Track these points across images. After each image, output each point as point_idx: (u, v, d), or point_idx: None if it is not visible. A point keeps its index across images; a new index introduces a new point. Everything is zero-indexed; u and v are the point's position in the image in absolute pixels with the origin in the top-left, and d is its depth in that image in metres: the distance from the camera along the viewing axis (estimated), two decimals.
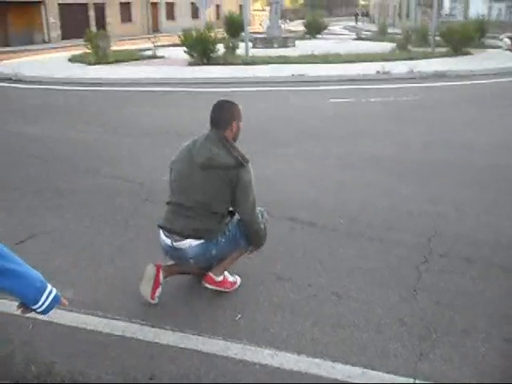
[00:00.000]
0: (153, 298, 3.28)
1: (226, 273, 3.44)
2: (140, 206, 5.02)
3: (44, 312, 1.83)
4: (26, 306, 1.83)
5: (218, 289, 3.39)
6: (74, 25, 34.44)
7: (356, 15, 66.74)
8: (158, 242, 3.35)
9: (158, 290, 3.29)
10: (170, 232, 3.24)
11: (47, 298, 1.82)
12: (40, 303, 1.81)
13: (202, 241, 3.20)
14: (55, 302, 1.85)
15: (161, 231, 3.31)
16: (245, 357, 2.78)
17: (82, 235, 4.42)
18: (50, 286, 1.84)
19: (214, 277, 3.36)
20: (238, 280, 3.52)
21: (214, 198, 3.17)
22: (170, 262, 3.43)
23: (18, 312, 1.86)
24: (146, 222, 4.61)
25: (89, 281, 3.64)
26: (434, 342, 2.87)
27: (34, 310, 1.84)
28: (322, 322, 3.09)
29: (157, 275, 3.27)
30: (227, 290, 3.43)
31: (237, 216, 3.36)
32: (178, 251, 3.25)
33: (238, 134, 3.38)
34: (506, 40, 18.71)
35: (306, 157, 6.49)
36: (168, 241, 3.26)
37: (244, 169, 3.16)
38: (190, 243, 3.20)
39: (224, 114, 3.40)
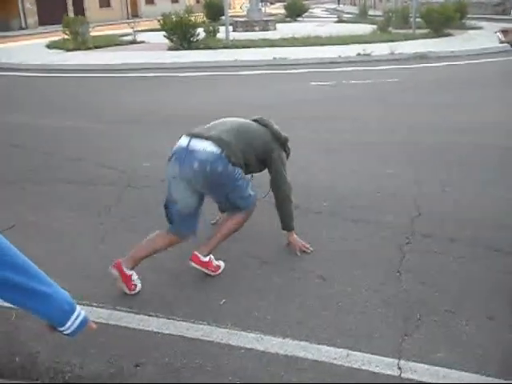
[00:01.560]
0: (131, 289, 3.25)
1: (211, 256, 3.43)
2: (122, 193, 4.97)
3: (70, 334, 1.76)
4: (52, 326, 1.77)
5: (203, 269, 3.39)
6: (52, 10, 33.92)
7: None
8: (165, 171, 3.34)
9: (133, 279, 3.26)
10: (192, 133, 3.28)
11: (74, 321, 1.74)
12: (66, 326, 1.74)
13: (218, 151, 3.16)
14: (82, 325, 1.77)
15: (182, 138, 3.31)
16: (230, 341, 2.78)
17: (64, 224, 4.38)
18: (78, 309, 1.77)
19: (199, 256, 3.36)
20: (222, 265, 3.51)
21: (251, 144, 3.40)
22: (132, 252, 3.33)
23: (46, 330, 1.78)
24: (129, 209, 4.59)
25: (72, 269, 3.60)
26: (419, 322, 2.89)
27: (61, 332, 1.78)
28: (306, 304, 3.09)
29: (120, 272, 3.22)
30: (211, 273, 3.42)
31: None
32: (189, 153, 3.18)
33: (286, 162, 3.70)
34: (499, 34, 18.57)
35: (290, 141, 6.45)
36: (185, 141, 3.23)
37: (282, 151, 3.64)
38: (205, 146, 3.17)
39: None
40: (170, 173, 3.29)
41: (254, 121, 3.63)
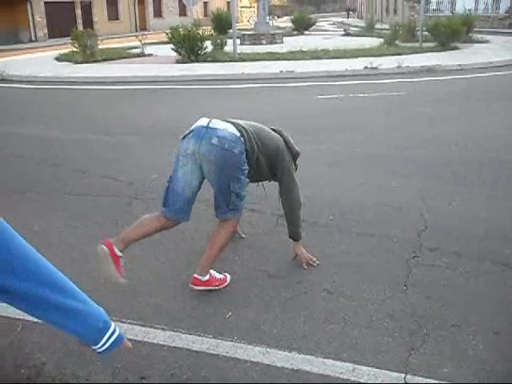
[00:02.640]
0: (120, 274, 3.19)
1: (212, 272, 3.42)
2: (129, 205, 4.99)
3: (104, 352, 1.68)
4: (84, 343, 1.71)
5: (207, 288, 3.38)
6: (61, 23, 34.28)
7: (348, 10, 67.02)
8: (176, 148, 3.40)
9: (121, 264, 3.22)
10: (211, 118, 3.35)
11: (109, 339, 1.66)
12: (100, 344, 1.65)
13: (238, 134, 3.25)
14: (117, 343, 1.69)
15: (200, 118, 3.39)
16: (236, 354, 2.78)
17: (69, 235, 4.39)
18: (113, 326, 1.69)
19: (199, 277, 3.35)
20: (228, 277, 3.51)
21: (266, 145, 3.44)
22: (121, 233, 3.34)
23: (80, 347, 1.72)
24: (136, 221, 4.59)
25: (77, 280, 3.58)
26: (425, 337, 2.88)
27: (94, 350, 1.71)
28: (312, 318, 3.09)
29: (110, 250, 3.18)
30: (218, 288, 3.41)
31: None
32: (209, 129, 3.22)
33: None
34: None
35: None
36: (204, 121, 3.30)
37: (293, 162, 3.71)
38: (227, 127, 3.25)
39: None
40: (183, 148, 3.30)
41: (272, 129, 3.68)
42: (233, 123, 3.32)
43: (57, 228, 4.54)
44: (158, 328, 3.03)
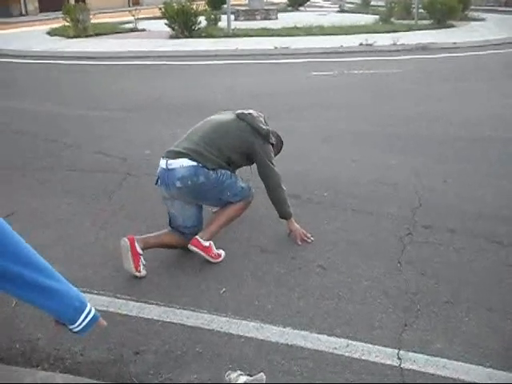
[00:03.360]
0: (138, 270, 3.25)
1: (212, 243, 3.43)
2: (123, 180, 4.96)
3: (80, 332, 1.73)
4: (61, 322, 1.74)
5: (203, 254, 3.39)
6: None
7: None
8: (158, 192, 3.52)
9: (141, 261, 3.27)
10: (168, 153, 3.44)
11: (85, 318, 1.71)
12: (77, 324, 1.70)
13: (194, 163, 3.32)
14: (93, 322, 1.74)
15: (160, 160, 3.46)
16: (230, 330, 2.79)
17: (64, 211, 4.37)
18: (89, 306, 1.74)
19: (200, 240, 3.37)
20: (223, 254, 3.51)
21: (227, 145, 3.49)
22: (146, 235, 3.44)
23: (55, 327, 1.75)
24: (129, 197, 4.59)
25: (72, 256, 3.61)
26: (418, 313, 2.90)
27: (70, 330, 1.75)
28: (307, 294, 3.10)
29: (132, 246, 3.24)
30: (211, 260, 3.42)
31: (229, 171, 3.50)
32: (168, 172, 3.35)
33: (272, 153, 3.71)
34: None
35: (291, 130, 6.44)
36: (163, 163, 3.39)
37: (266, 143, 3.60)
38: (182, 163, 3.34)
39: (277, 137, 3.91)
40: (162, 194, 3.50)
41: (236, 116, 3.66)
42: (186, 155, 3.36)
43: (52, 204, 4.51)
44: (152, 303, 3.03)
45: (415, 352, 2.59)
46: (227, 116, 3.70)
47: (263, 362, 2.54)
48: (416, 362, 2.52)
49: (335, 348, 2.63)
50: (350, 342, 2.67)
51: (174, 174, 3.33)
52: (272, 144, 3.69)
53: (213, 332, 2.77)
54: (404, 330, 2.76)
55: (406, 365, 2.50)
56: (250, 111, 3.70)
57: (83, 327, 1.72)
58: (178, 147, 3.45)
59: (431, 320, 2.84)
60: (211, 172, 3.36)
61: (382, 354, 2.58)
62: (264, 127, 3.62)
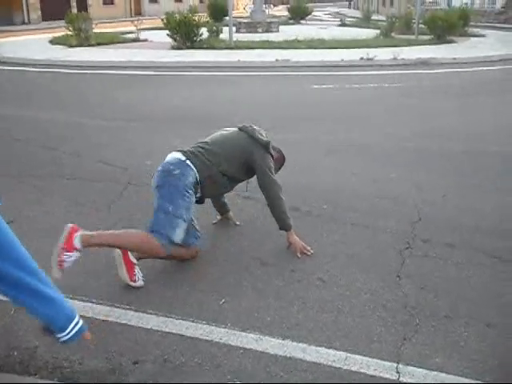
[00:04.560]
0: (133, 280, 3.24)
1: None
2: (123, 190, 4.97)
3: (66, 341, 1.78)
4: (49, 330, 1.78)
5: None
6: (55, 6, 33.88)
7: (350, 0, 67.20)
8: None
9: (136, 272, 3.26)
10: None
11: (74, 327, 1.77)
12: (66, 332, 1.76)
13: (183, 158, 3.45)
14: (80, 333, 1.80)
15: None
16: (229, 341, 2.78)
17: (64, 219, 4.33)
18: (77, 317, 1.80)
19: (78, 231, 3.09)
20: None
21: (227, 156, 3.56)
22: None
23: (41, 333, 1.81)
24: (130, 206, 4.59)
25: (71, 265, 3.59)
26: (417, 327, 2.90)
27: (57, 339, 1.78)
28: (306, 307, 3.10)
29: (124, 257, 3.23)
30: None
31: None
32: (162, 164, 3.51)
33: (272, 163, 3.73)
34: None
35: (292, 143, 6.47)
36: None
37: (265, 153, 3.64)
38: (174, 154, 3.52)
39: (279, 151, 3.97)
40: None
41: (238, 128, 3.78)
42: (182, 151, 3.54)
43: (52, 213, 4.52)
44: (151, 313, 3.03)
45: (414, 366, 2.59)
46: (230, 129, 3.83)
47: (262, 373, 2.54)
48: (414, 375, 2.52)
49: (334, 361, 2.63)
50: (348, 354, 2.67)
51: (164, 163, 3.51)
52: (272, 155, 3.71)
53: (212, 343, 2.77)
54: (403, 343, 2.76)
55: (404, 378, 2.50)
56: (252, 124, 3.79)
57: (71, 336, 1.77)
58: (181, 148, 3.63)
59: (430, 334, 2.84)
60: (190, 177, 3.40)
61: (380, 368, 2.57)
62: (264, 138, 3.69)
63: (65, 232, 3.09)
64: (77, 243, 3.06)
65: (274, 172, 3.67)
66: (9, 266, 1.60)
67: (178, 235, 3.32)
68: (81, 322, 1.79)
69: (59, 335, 1.75)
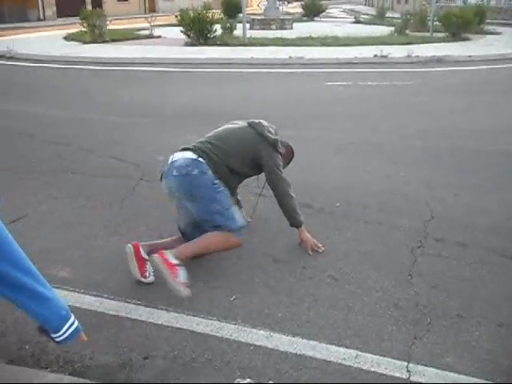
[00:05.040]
0: (143, 276, 3.25)
1: (149, 267, 3.27)
2: (136, 185, 4.99)
3: (61, 342, 1.77)
4: (44, 330, 1.78)
5: (162, 269, 3.09)
6: (70, 2, 34.01)
7: None
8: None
9: (148, 268, 3.27)
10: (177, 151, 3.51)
11: (68, 328, 1.76)
12: (61, 333, 1.75)
13: (194, 156, 3.38)
14: (75, 334, 1.79)
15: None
16: (239, 338, 2.78)
17: (76, 215, 4.40)
18: (73, 317, 1.79)
19: (167, 256, 3.12)
20: (187, 291, 3.11)
21: (235, 151, 3.51)
22: (153, 241, 3.47)
23: (38, 333, 1.80)
24: (142, 202, 4.61)
25: (83, 260, 3.62)
26: (429, 326, 2.88)
27: (52, 339, 1.78)
28: (317, 304, 3.09)
29: (137, 253, 3.25)
30: (169, 278, 3.08)
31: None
32: (171, 165, 3.42)
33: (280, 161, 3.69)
34: None
35: (303, 140, 6.46)
36: (170, 158, 3.48)
37: (274, 151, 3.59)
38: (184, 155, 3.43)
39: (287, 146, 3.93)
40: (165, 193, 3.54)
41: (248, 124, 3.70)
42: (190, 149, 3.47)
43: (64, 207, 4.54)
44: (162, 309, 3.04)
45: (425, 365, 2.57)
46: (239, 124, 3.76)
47: (272, 370, 2.54)
48: (425, 375, 2.50)
49: (344, 359, 2.62)
50: (359, 353, 2.66)
51: (174, 164, 3.41)
52: (280, 153, 3.68)
53: (222, 339, 2.77)
54: (414, 342, 2.74)
55: (415, 378, 2.48)
56: (261, 121, 3.74)
57: (65, 337, 1.76)
58: (187, 145, 3.57)
59: (441, 333, 2.82)
60: (208, 171, 3.36)
61: (391, 366, 2.56)
62: (272, 136, 3.63)
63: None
64: (172, 260, 3.14)
65: (282, 170, 3.64)
66: (6, 266, 1.59)
67: (239, 219, 3.48)
68: (76, 323, 1.79)
69: (54, 335, 1.75)
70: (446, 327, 2.87)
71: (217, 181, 3.40)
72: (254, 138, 3.60)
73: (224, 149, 3.50)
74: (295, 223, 3.71)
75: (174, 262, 3.13)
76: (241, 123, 3.76)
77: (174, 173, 3.37)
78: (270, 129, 3.70)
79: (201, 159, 3.39)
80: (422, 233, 3.99)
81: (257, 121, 3.72)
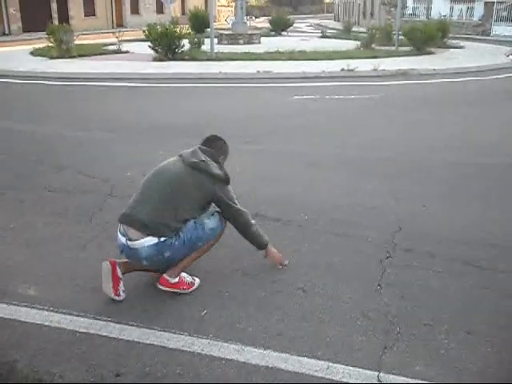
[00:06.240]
0: (117, 295, 3.24)
1: (183, 274, 3.38)
2: (104, 202, 4.95)
3: None
4: None
5: (174, 290, 3.33)
6: (36, 17, 33.62)
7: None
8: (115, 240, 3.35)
9: (121, 286, 3.25)
10: (125, 217, 3.26)
11: None
12: None
13: (155, 241, 3.17)
14: None
15: (118, 229, 3.31)
16: (211, 352, 2.78)
17: (45, 232, 4.34)
18: None
19: (168, 278, 3.31)
20: (197, 281, 3.44)
21: (185, 199, 3.30)
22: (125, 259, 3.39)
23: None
24: (111, 218, 4.56)
25: (52, 278, 3.58)
26: (398, 336, 2.92)
27: None
28: (287, 317, 3.11)
29: (113, 271, 3.22)
30: (184, 292, 3.35)
31: (192, 220, 3.33)
32: (132, 251, 3.22)
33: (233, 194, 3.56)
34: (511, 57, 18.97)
35: (272, 154, 6.51)
36: (123, 239, 3.24)
37: (226, 186, 3.45)
38: (143, 243, 3.18)
39: (220, 144, 3.64)
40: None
41: (187, 165, 3.36)
42: (144, 226, 3.17)
43: (33, 225, 4.48)
44: (133, 325, 3.02)
45: (395, 374, 2.61)
46: (178, 166, 3.39)
47: None
48: None
49: (316, 370, 2.64)
50: (330, 364, 2.68)
51: (138, 253, 3.21)
52: (229, 180, 3.48)
53: (194, 354, 2.77)
54: (384, 352, 2.78)
55: None
56: (195, 148, 3.48)
57: None
58: (135, 212, 3.24)
59: (411, 342, 2.86)
60: (175, 241, 3.23)
61: (362, 376, 2.59)
62: (219, 172, 3.40)
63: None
64: (173, 280, 3.33)
65: (236, 201, 3.49)
66: None
67: (216, 225, 3.44)
68: None
69: None
70: (415, 336, 2.92)
71: (183, 233, 3.26)
72: (204, 181, 3.34)
73: (177, 205, 3.26)
74: (262, 246, 3.66)
75: (175, 280, 3.32)
76: (179, 164, 3.39)
77: (145, 263, 3.26)
78: (211, 162, 3.42)
79: (162, 239, 3.19)
80: (390, 244, 4.05)
81: (194, 159, 3.37)
